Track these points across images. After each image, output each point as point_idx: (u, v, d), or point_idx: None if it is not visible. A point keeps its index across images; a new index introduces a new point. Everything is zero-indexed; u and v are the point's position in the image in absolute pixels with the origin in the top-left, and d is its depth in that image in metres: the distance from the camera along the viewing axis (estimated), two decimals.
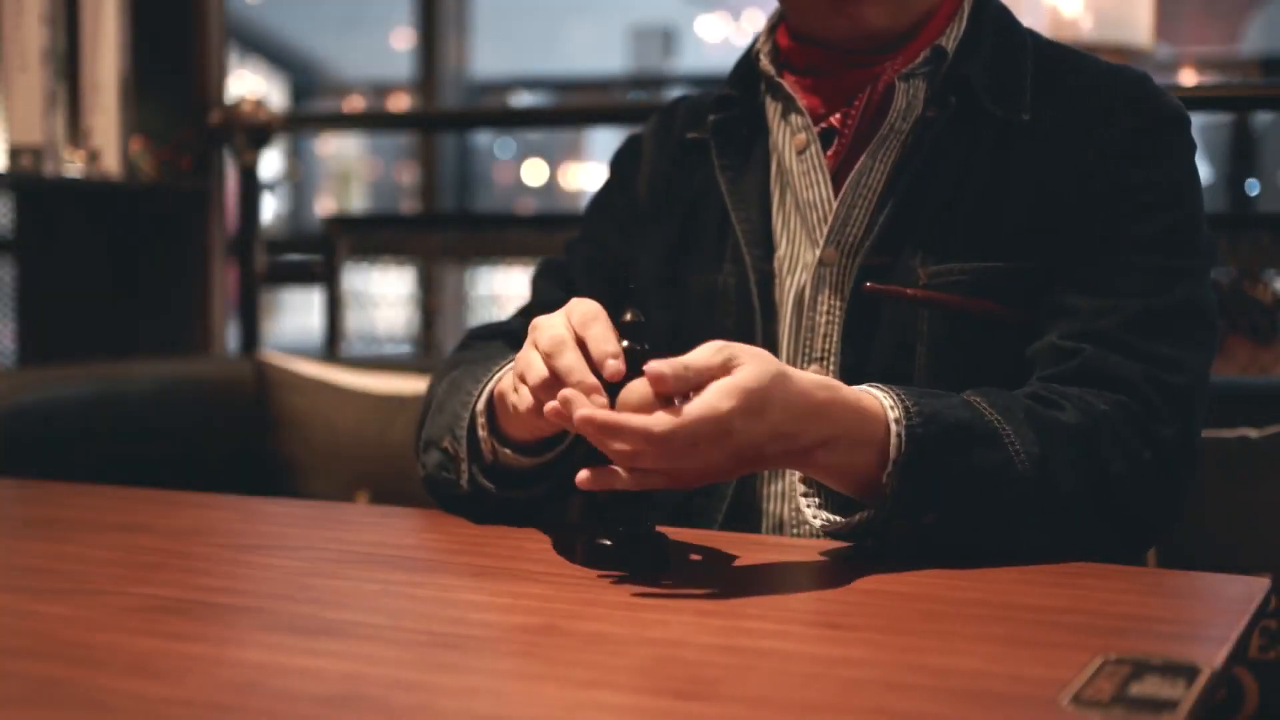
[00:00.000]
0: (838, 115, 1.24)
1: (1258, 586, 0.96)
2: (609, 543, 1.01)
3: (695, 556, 1.05)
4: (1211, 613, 0.91)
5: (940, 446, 1.03)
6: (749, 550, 1.08)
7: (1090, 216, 1.17)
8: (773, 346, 1.23)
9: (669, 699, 0.72)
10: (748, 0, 7.95)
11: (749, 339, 1.21)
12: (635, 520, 1.02)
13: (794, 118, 1.27)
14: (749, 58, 1.32)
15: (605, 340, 0.99)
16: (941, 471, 1.03)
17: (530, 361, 1.02)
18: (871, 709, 0.71)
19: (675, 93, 1.45)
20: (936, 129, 1.20)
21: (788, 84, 1.27)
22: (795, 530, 1.23)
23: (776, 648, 0.81)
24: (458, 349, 1.35)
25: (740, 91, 1.31)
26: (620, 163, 1.42)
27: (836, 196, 1.23)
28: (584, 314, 1.01)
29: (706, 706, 0.70)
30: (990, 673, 0.76)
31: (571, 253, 1.41)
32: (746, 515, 1.25)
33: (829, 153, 1.24)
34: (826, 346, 1.22)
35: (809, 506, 1.08)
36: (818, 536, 1.13)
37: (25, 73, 2.03)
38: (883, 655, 0.81)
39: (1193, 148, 1.21)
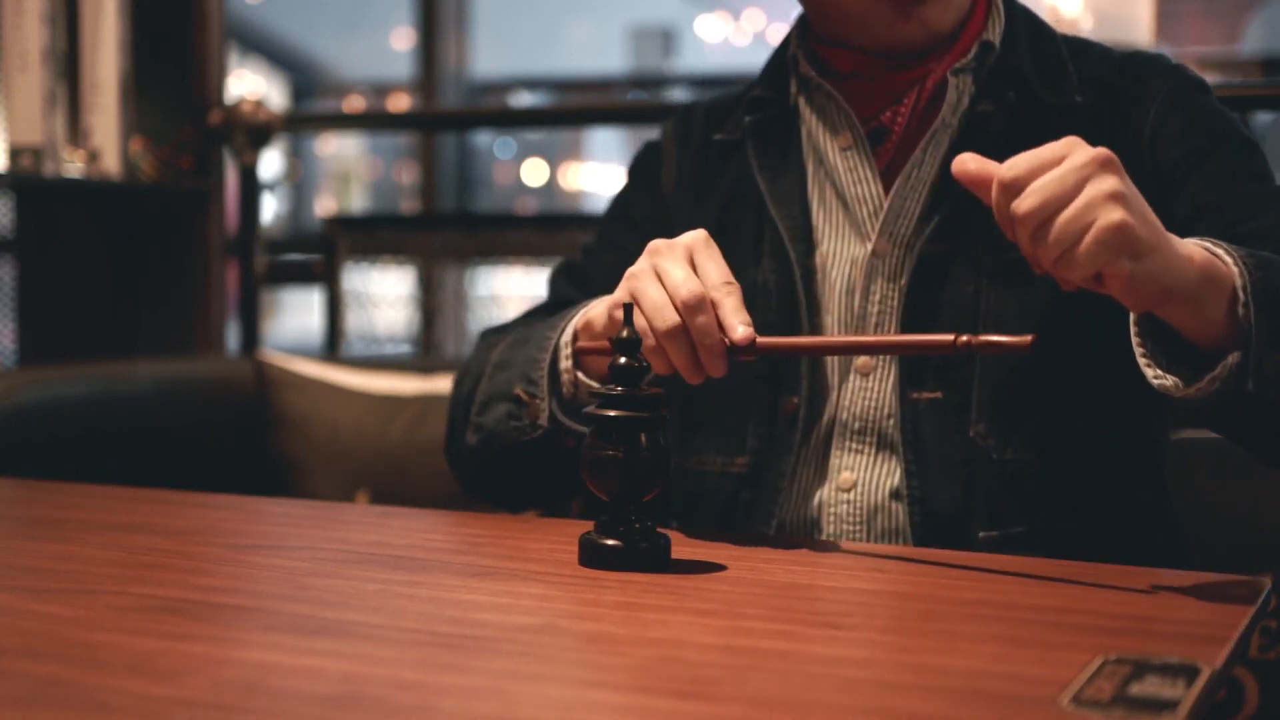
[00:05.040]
0: (887, 114, 1.26)
1: (1258, 586, 0.96)
2: (609, 543, 1.02)
3: (695, 556, 1.05)
4: (1211, 613, 0.91)
5: (1271, 275, 1.00)
6: (749, 550, 1.08)
7: (1174, 176, 1.20)
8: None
9: (669, 699, 0.72)
10: (748, 0, 7.95)
11: (793, 333, 1.24)
12: (635, 520, 1.02)
13: (835, 116, 1.28)
14: (782, 59, 1.33)
15: (738, 311, 1.04)
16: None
17: (657, 305, 1.05)
18: (871, 709, 0.71)
19: (675, 93, 1.46)
20: (997, 122, 1.23)
21: (829, 86, 1.28)
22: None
23: (776, 648, 0.81)
24: (484, 343, 1.35)
25: (773, 93, 1.32)
26: (640, 167, 1.43)
27: (885, 190, 1.25)
28: (720, 277, 1.06)
29: (706, 706, 0.70)
30: (990, 673, 0.76)
31: (589, 256, 1.41)
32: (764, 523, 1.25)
33: (878, 149, 1.26)
34: (879, 335, 1.23)
35: (1148, 367, 1.03)
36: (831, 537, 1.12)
37: (25, 73, 2.03)
38: (882, 655, 0.81)
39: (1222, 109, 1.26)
